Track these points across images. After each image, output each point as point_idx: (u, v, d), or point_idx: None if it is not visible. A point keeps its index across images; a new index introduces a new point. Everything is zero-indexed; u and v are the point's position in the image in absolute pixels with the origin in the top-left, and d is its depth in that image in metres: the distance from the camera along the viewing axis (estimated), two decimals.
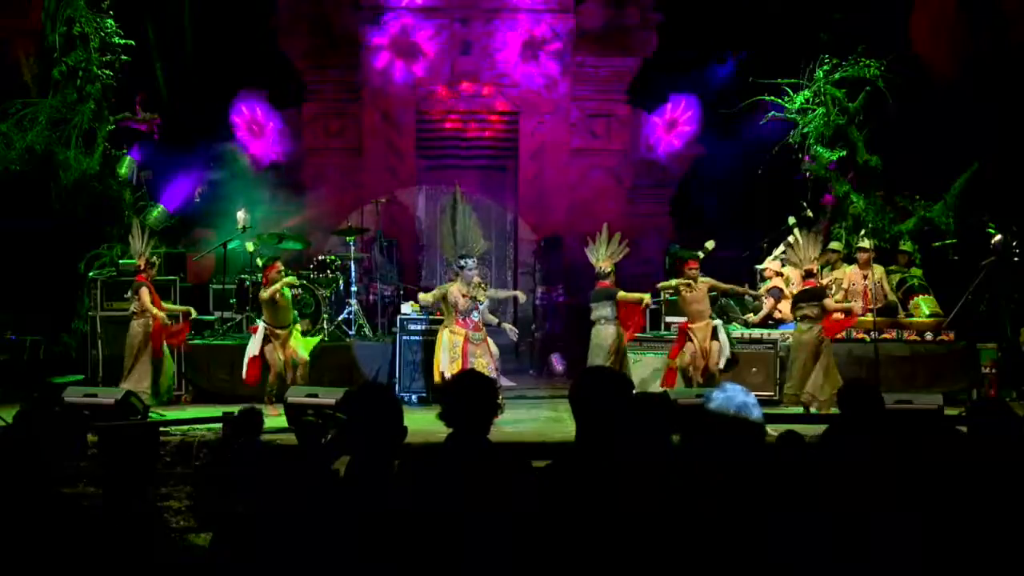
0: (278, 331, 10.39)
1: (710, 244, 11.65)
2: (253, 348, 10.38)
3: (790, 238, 12.60)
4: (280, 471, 3.47)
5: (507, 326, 10.36)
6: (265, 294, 10.37)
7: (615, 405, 3.37)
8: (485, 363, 9.50)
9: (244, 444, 5.47)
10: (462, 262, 9.83)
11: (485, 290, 9.86)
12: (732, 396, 3.22)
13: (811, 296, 10.24)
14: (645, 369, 11.30)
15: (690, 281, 10.48)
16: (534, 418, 10.04)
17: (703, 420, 3.23)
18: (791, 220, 12.85)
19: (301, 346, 10.57)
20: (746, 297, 12.61)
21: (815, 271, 10.62)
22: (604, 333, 10.44)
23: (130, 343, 10.53)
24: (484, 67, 14.63)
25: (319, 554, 3.21)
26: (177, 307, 11.35)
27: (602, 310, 10.50)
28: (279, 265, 10.57)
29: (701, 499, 3.17)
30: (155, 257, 11.08)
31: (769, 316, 12.14)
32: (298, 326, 10.75)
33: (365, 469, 3.35)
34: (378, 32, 14.38)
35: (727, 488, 3.17)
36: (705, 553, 3.06)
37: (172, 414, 9.98)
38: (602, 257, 10.67)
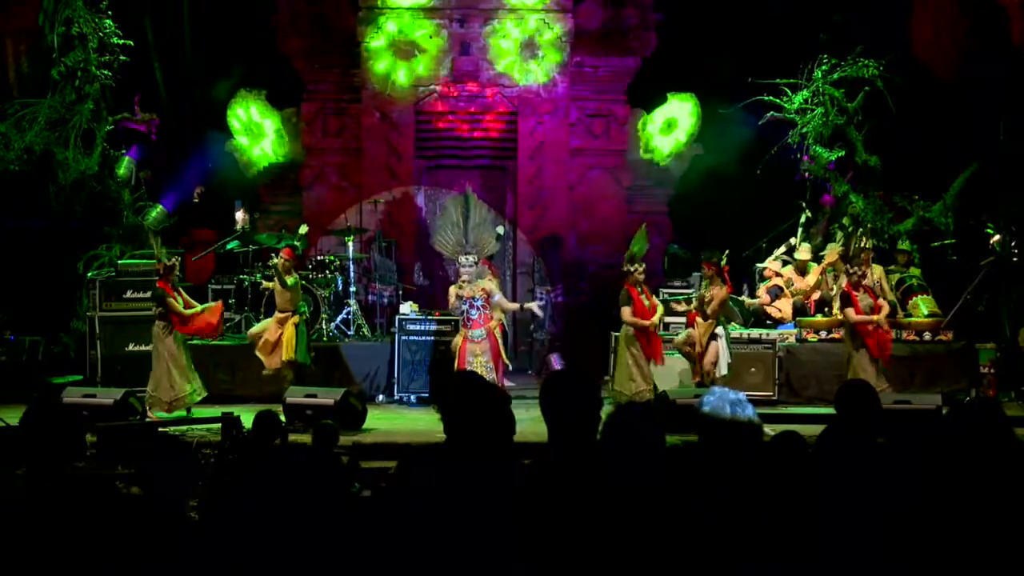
0: (281, 314, 10.48)
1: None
2: (271, 334, 10.39)
3: (792, 240, 12.62)
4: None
5: (530, 305, 10.55)
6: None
7: (581, 409, 3.40)
8: (484, 362, 9.46)
9: (286, 448, 5.26)
10: (460, 259, 9.81)
11: (486, 290, 9.79)
12: (724, 396, 3.26)
13: None
14: (668, 371, 11.07)
15: (708, 282, 10.38)
16: (532, 418, 10.02)
17: (698, 424, 3.25)
18: (807, 214, 12.86)
19: (290, 345, 10.39)
20: (744, 296, 12.63)
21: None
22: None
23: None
24: (483, 67, 14.62)
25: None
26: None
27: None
28: (289, 251, 10.78)
29: (698, 502, 3.16)
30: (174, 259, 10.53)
31: (766, 315, 12.13)
32: (297, 318, 10.47)
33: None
34: (377, 32, 14.36)
35: (726, 489, 3.17)
36: (698, 554, 3.06)
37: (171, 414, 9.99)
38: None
